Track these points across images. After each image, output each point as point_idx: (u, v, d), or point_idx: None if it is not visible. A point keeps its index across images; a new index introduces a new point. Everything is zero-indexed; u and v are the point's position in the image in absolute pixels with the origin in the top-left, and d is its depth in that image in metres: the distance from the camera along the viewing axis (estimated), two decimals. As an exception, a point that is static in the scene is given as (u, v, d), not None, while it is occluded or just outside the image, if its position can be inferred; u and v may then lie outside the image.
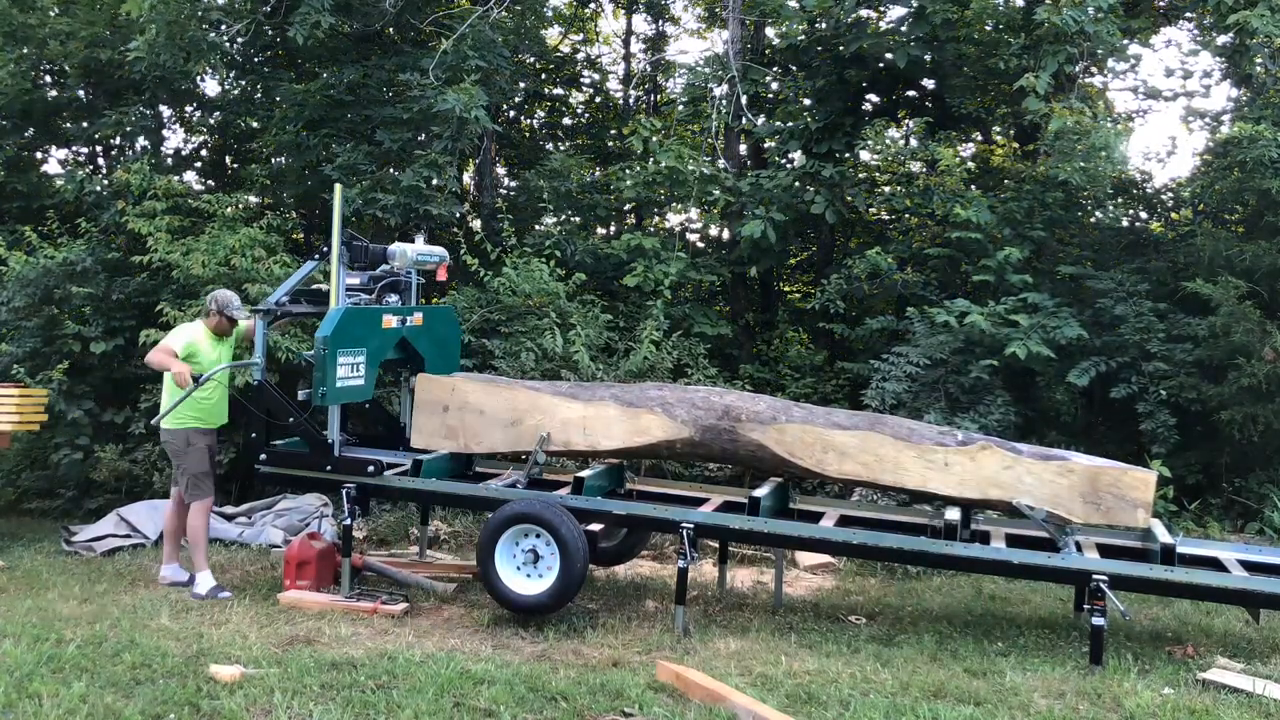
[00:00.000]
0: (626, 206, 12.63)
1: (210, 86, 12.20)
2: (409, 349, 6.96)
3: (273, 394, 6.58)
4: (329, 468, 6.48)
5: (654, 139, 10.70)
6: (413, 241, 7.02)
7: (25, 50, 11.14)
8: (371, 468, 6.39)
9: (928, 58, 10.14)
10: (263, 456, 6.60)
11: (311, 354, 6.20)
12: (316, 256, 6.87)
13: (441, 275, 7.12)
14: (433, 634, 5.70)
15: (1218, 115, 10.40)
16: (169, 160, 12.00)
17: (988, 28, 10.68)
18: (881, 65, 10.46)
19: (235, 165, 12.52)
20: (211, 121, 12.39)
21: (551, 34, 14.75)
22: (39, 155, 12.65)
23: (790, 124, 11.00)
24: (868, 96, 11.17)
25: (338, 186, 6.73)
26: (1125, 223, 10.51)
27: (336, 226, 6.46)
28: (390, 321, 6.67)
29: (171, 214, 9.95)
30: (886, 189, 11.04)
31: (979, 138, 12.24)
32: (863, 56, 10.29)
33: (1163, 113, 30.14)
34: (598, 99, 15.45)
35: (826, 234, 11.30)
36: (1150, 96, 11.39)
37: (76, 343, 9.94)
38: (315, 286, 7.07)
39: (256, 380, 6.59)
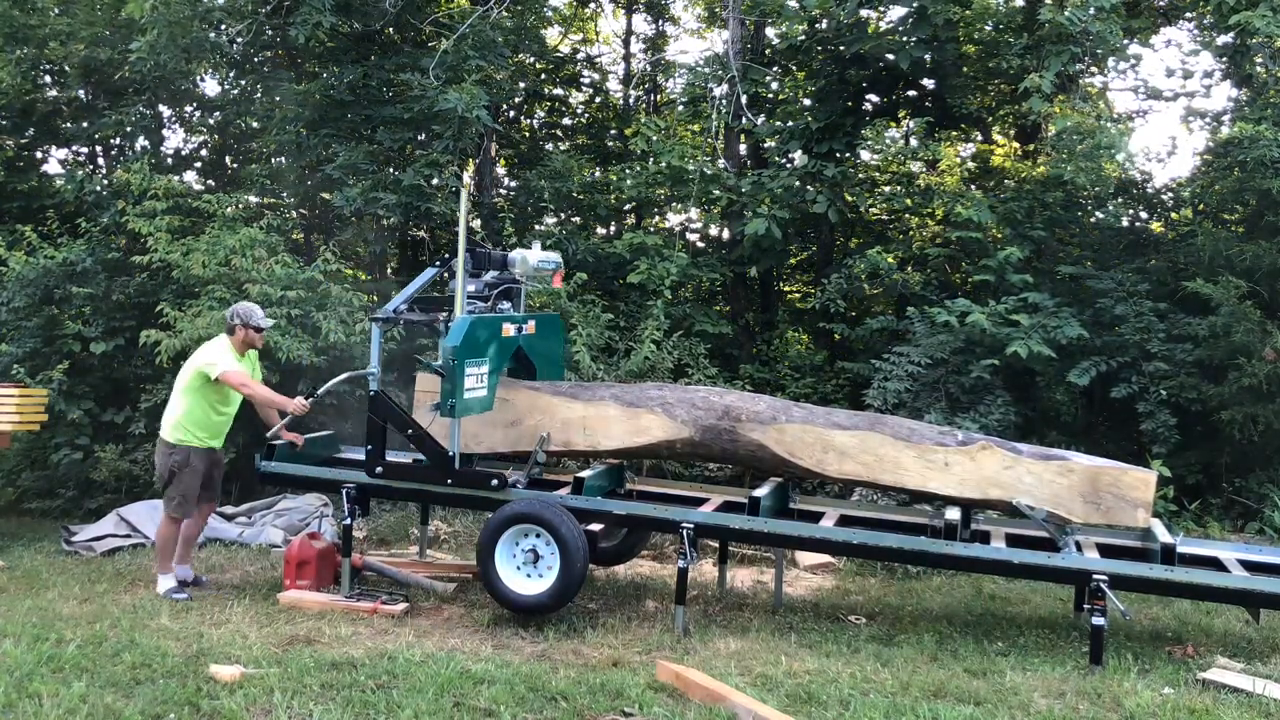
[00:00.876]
0: (626, 206, 12.63)
1: (210, 86, 12.22)
2: (522, 358, 6.74)
3: (390, 404, 6.32)
4: (450, 481, 6.21)
5: (656, 138, 10.70)
6: (529, 247, 6.80)
7: (25, 50, 11.15)
8: (495, 480, 6.12)
9: (928, 58, 10.14)
10: (378, 470, 6.30)
11: (440, 364, 5.89)
12: (437, 264, 6.62)
13: (557, 282, 6.88)
14: (433, 634, 5.70)
15: (1218, 115, 10.40)
16: (169, 160, 12.01)
17: (988, 27, 10.68)
18: (882, 65, 10.46)
19: (235, 165, 12.52)
20: (211, 121, 12.40)
21: (551, 34, 14.76)
22: (39, 155, 12.66)
23: (790, 124, 11.01)
24: (868, 96, 11.17)
25: (464, 192, 6.54)
26: (1125, 223, 10.51)
27: (463, 232, 6.20)
28: (509, 330, 6.44)
29: (171, 214, 9.96)
30: (886, 189, 11.04)
31: (979, 138, 12.25)
32: (863, 56, 10.30)
33: (1163, 113, 30.20)
34: (598, 99, 15.46)
35: (827, 234, 11.30)
36: (1151, 96, 11.40)
37: (76, 343, 9.95)
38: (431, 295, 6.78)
39: (373, 391, 6.27)
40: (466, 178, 6.50)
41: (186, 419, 6.51)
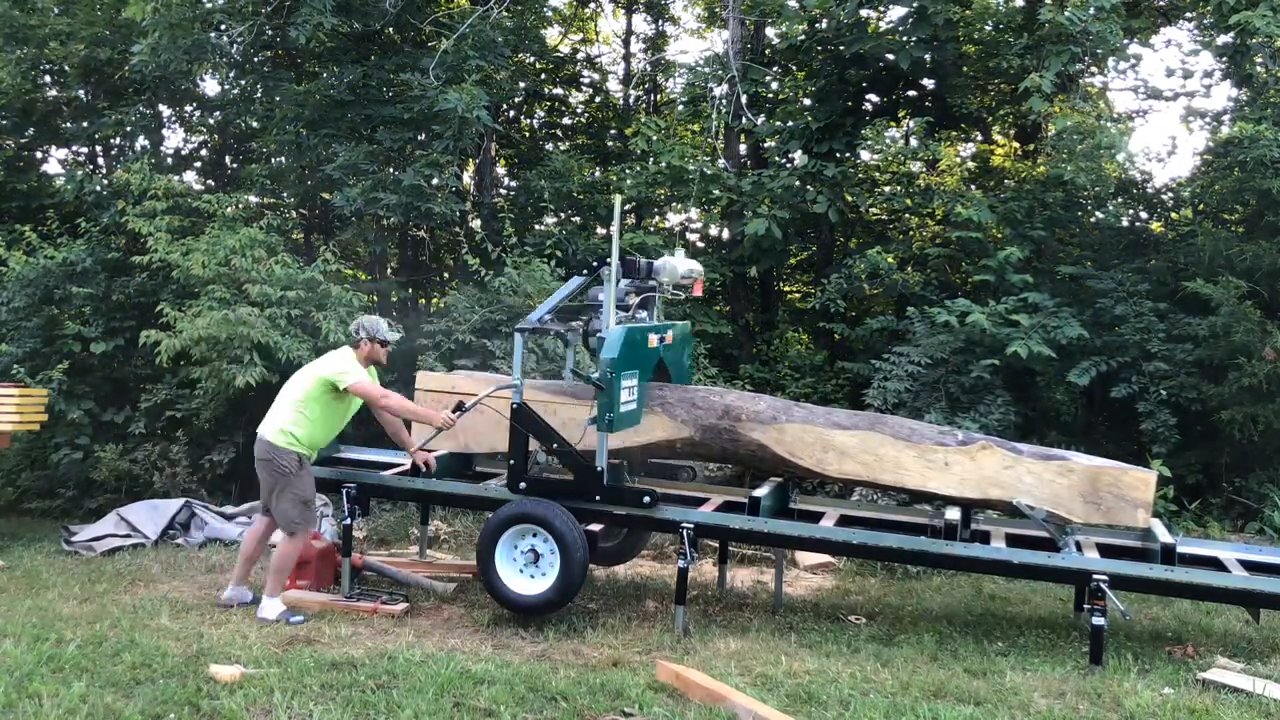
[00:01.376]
0: (627, 206, 12.63)
1: (210, 86, 12.22)
2: (661, 369, 6.51)
3: (534, 417, 6.02)
4: (598, 497, 5.93)
5: (656, 138, 10.70)
6: (673, 254, 6.58)
7: (25, 50, 11.15)
8: (648, 498, 5.87)
9: (928, 58, 10.14)
10: (522, 485, 6.02)
11: (597, 376, 5.65)
12: (584, 272, 6.33)
13: (698, 290, 6.62)
14: (433, 634, 5.69)
15: (1218, 115, 10.41)
16: (169, 160, 12.01)
17: (988, 27, 10.68)
18: (882, 65, 10.46)
19: (235, 165, 12.53)
20: (211, 121, 12.40)
21: (551, 34, 14.75)
22: (39, 155, 12.66)
23: (790, 124, 11.01)
24: (868, 96, 11.17)
25: (617, 198, 6.36)
26: (1125, 223, 10.51)
27: (615, 240, 5.94)
28: (653, 341, 6.22)
29: (171, 214, 9.96)
30: (886, 189, 11.04)
31: (979, 138, 12.25)
32: (863, 56, 10.30)
33: (1163, 113, 30.18)
34: (598, 99, 15.45)
35: (827, 234, 11.31)
36: (1151, 96, 11.40)
37: (76, 343, 9.95)
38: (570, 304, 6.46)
39: (516, 403, 6.00)
40: (618, 203, 6.18)
41: (296, 425, 6.06)
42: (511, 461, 6.06)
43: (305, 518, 6.05)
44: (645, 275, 6.37)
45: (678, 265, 6.42)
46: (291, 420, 6.07)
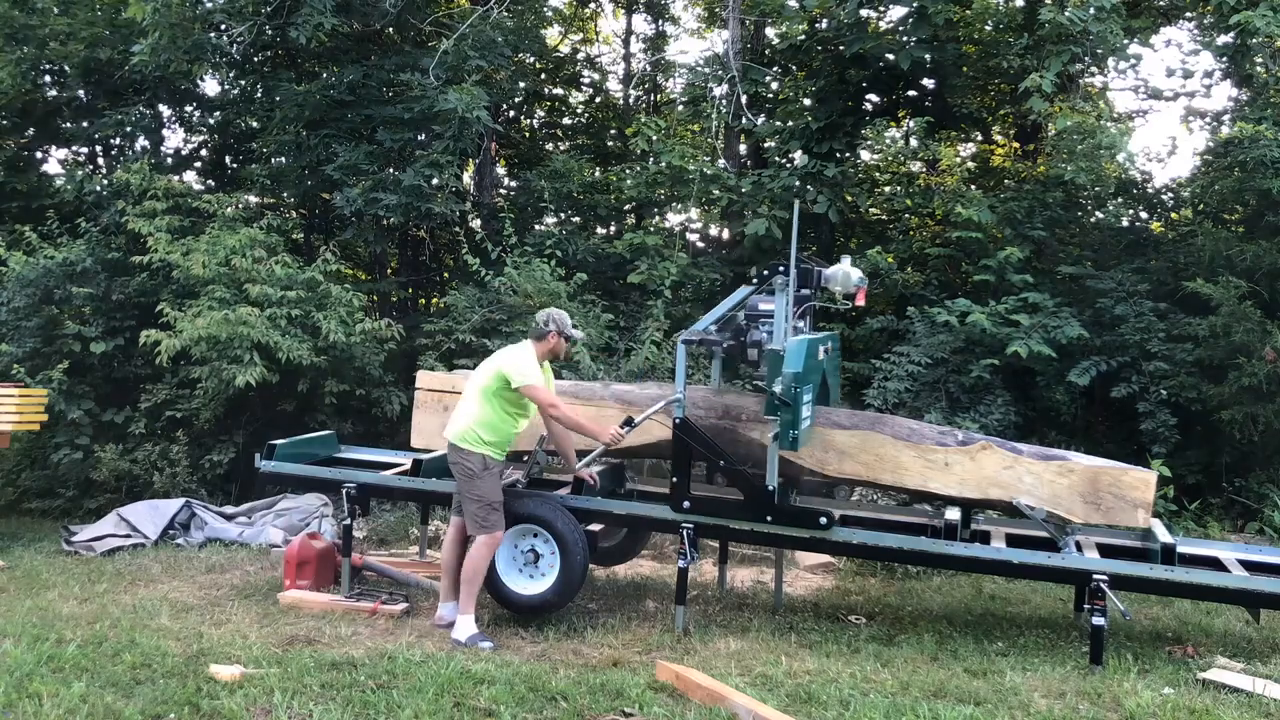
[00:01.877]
0: (626, 206, 12.64)
1: (210, 86, 12.23)
2: (822, 381, 6.20)
3: (700, 433, 5.78)
4: (769, 518, 5.69)
5: (656, 138, 10.71)
6: (838, 262, 6.19)
7: (25, 50, 11.15)
8: (824, 519, 5.62)
9: (928, 58, 10.15)
10: (686, 504, 5.77)
11: (781, 392, 5.33)
12: (754, 280, 6.00)
13: (861, 299, 6.17)
14: (433, 634, 5.69)
15: (1218, 115, 10.41)
16: (169, 160, 12.01)
17: (988, 27, 10.68)
18: (882, 65, 10.46)
19: (235, 165, 12.53)
20: (211, 121, 12.40)
21: (551, 34, 14.76)
22: (39, 155, 12.66)
23: (790, 124, 11.01)
24: (868, 96, 11.17)
25: (796, 204, 6.09)
26: (1125, 223, 10.52)
27: (794, 248, 5.71)
28: (821, 353, 5.94)
29: (171, 214, 9.97)
30: (887, 189, 11.04)
31: (979, 138, 12.25)
32: (863, 56, 10.29)
33: (1163, 113, 30.18)
34: (598, 99, 15.46)
35: (827, 234, 11.30)
36: (1151, 96, 11.40)
37: (76, 343, 9.95)
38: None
39: (678, 417, 5.79)
40: (796, 208, 5.96)
41: (480, 424, 5.76)
42: (675, 478, 5.79)
43: (491, 520, 5.70)
44: (816, 284, 6.05)
45: (850, 273, 5.99)
46: (474, 420, 5.78)
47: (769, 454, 5.63)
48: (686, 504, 5.79)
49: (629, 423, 5.81)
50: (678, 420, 5.78)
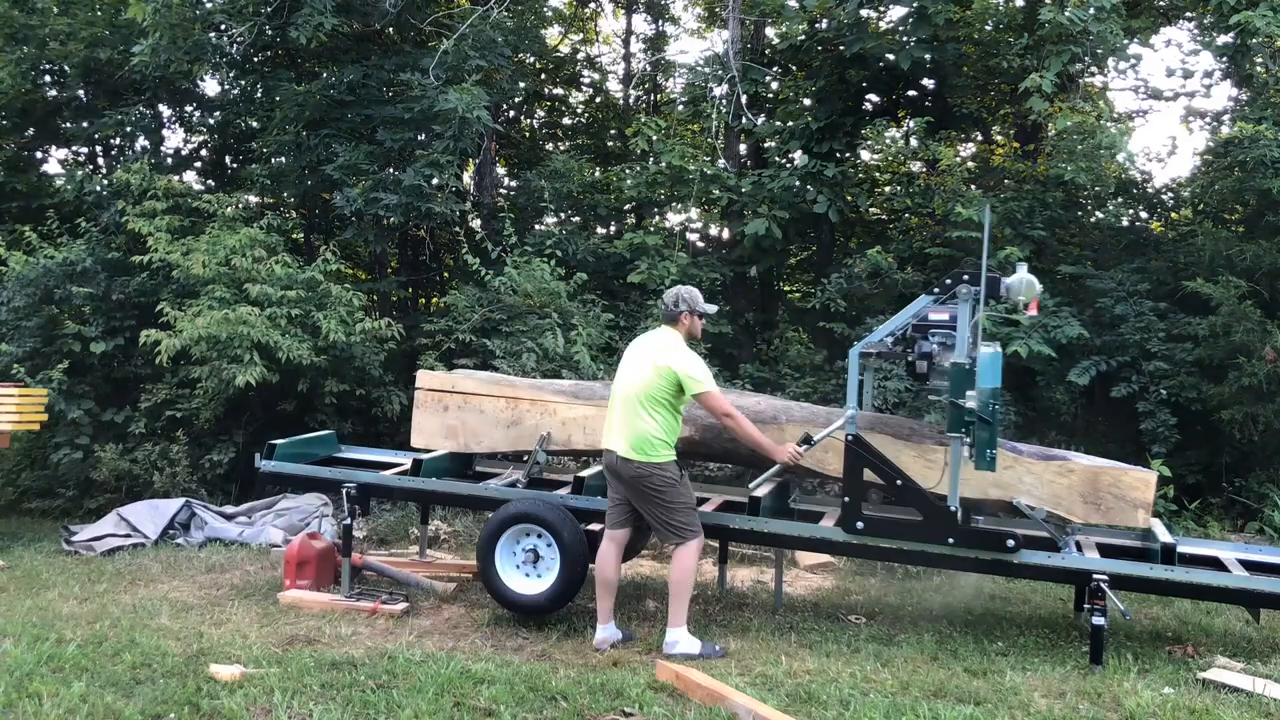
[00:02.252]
0: (626, 206, 12.64)
1: (210, 86, 12.23)
2: None
3: (872, 449, 5.58)
4: (952, 540, 5.47)
5: (656, 138, 10.71)
6: (1015, 271, 5.73)
7: (25, 50, 11.15)
8: (1011, 541, 5.38)
9: (928, 58, 10.15)
10: (859, 525, 5.58)
11: (980, 408, 5.10)
12: (935, 290, 5.66)
13: (1033, 309, 5.74)
14: (433, 634, 5.69)
15: (1218, 115, 10.41)
16: (169, 160, 12.01)
17: (988, 27, 10.68)
18: (882, 65, 10.46)
19: (235, 165, 12.53)
20: (211, 121, 12.40)
21: (551, 34, 14.76)
22: (39, 155, 12.66)
23: (790, 124, 11.01)
24: (868, 96, 11.17)
25: (986, 208, 5.84)
26: (1125, 223, 10.52)
27: (985, 256, 5.45)
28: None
29: (171, 214, 9.97)
30: (887, 189, 11.04)
31: (979, 138, 12.25)
32: (863, 56, 10.30)
33: (1163, 113, 30.20)
34: (598, 99, 15.46)
35: (827, 233, 11.31)
36: (1151, 96, 11.40)
37: (76, 343, 9.95)
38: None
39: (851, 434, 5.59)
40: (987, 211, 5.69)
41: (662, 433, 5.41)
42: (847, 499, 5.60)
43: (695, 523, 5.50)
44: (997, 293, 5.63)
45: (1034, 282, 5.55)
46: (653, 431, 5.40)
47: (951, 471, 5.37)
48: (860, 525, 5.59)
49: (807, 440, 5.61)
50: (850, 438, 5.56)
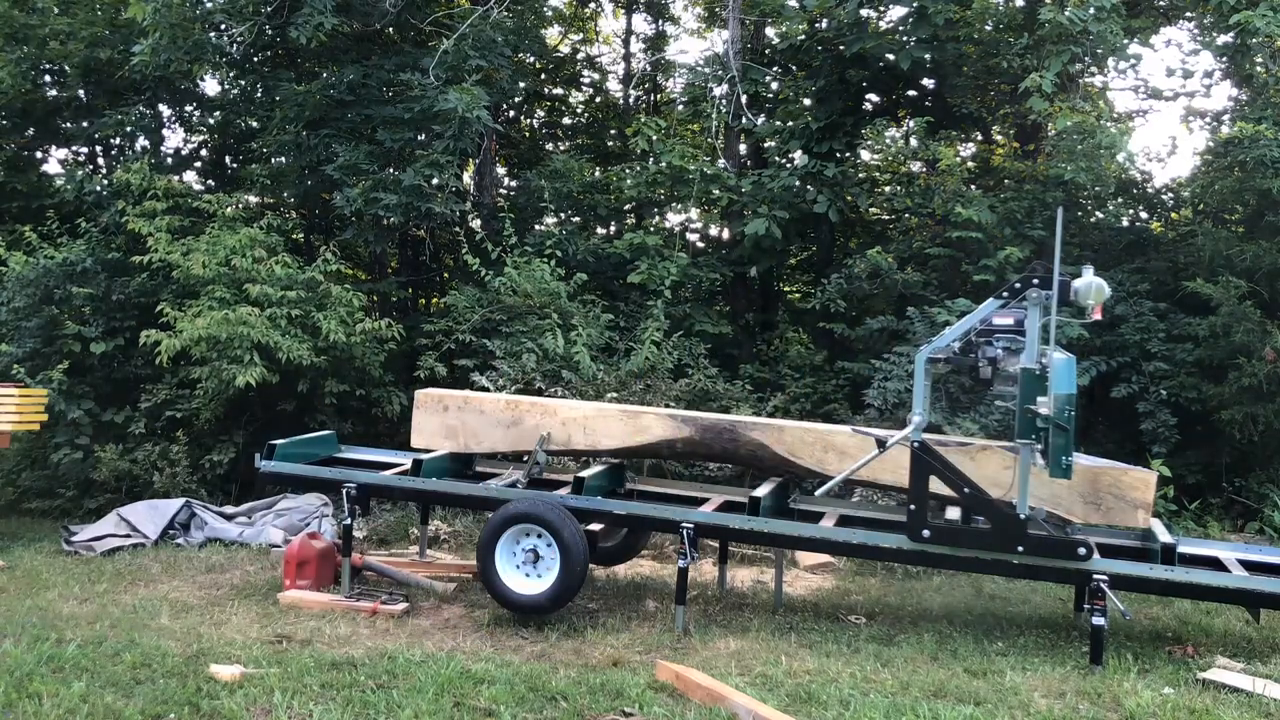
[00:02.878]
0: (626, 206, 12.64)
1: (210, 86, 12.23)
2: None
3: (939, 457, 5.49)
4: (1021, 549, 5.36)
5: (656, 138, 10.71)
6: (1081, 275, 5.64)
7: (25, 50, 11.15)
8: (1083, 549, 5.29)
9: (928, 58, 10.15)
10: (925, 533, 5.48)
11: (1055, 415, 5.03)
12: (1004, 294, 5.59)
13: (1098, 314, 5.63)
14: (433, 634, 5.69)
15: (1218, 115, 10.41)
16: (169, 160, 12.01)
17: (988, 27, 10.68)
18: (882, 65, 10.46)
19: (235, 165, 12.53)
20: (211, 121, 12.40)
21: (551, 34, 14.76)
22: (39, 155, 12.66)
23: (790, 124, 11.01)
24: (868, 96, 11.17)
25: (1059, 211, 5.70)
26: (1125, 223, 10.52)
27: (1057, 259, 5.37)
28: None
29: (171, 214, 9.96)
30: (887, 189, 11.04)
31: (979, 138, 12.24)
32: (863, 56, 10.30)
33: (1163, 113, 30.22)
34: (598, 99, 15.46)
35: (827, 234, 11.31)
36: (1151, 96, 11.40)
37: (76, 343, 9.94)
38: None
39: (916, 441, 5.51)
40: (1059, 215, 5.64)
41: None
42: (912, 507, 5.52)
43: None
44: (1066, 297, 5.51)
45: (1104, 285, 5.47)
46: None
47: (1019, 479, 5.30)
48: (926, 533, 5.52)
49: (881, 444, 5.60)
50: (914, 444, 5.49)
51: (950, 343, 5.63)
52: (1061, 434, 5.03)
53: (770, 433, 6.06)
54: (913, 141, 11.07)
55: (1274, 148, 8.24)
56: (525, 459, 6.62)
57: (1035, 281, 5.39)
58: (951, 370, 6.07)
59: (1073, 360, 5.24)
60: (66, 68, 11.49)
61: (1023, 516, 5.34)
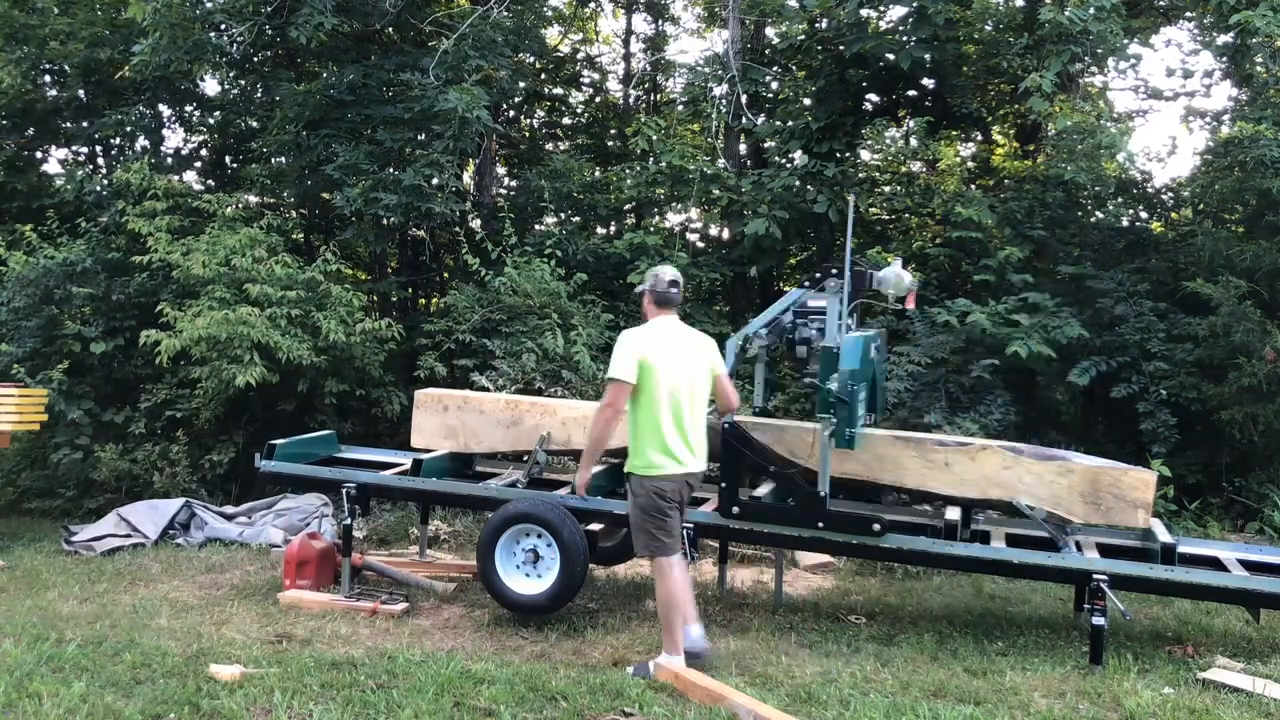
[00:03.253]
0: (626, 206, 12.64)
1: (210, 86, 12.23)
2: (872, 381, 6.12)
3: (747, 436, 5.77)
4: (820, 524, 5.64)
5: (656, 138, 10.71)
6: (889, 265, 5.99)
7: (25, 50, 11.15)
8: (877, 525, 5.55)
9: (928, 57, 10.14)
10: (735, 510, 5.73)
11: (837, 390, 5.28)
12: (806, 284, 5.97)
13: (910, 303, 6.02)
14: (433, 634, 5.70)
15: (1218, 115, 10.41)
16: (169, 160, 12.01)
17: (988, 27, 10.68)
18: (882, 65, 10.46)
19: (235, 165, 12.53)
20: (211, 121, 12.40)
21: (551, 34, 14.76)
22: (39, 155, 12.66)
23: (790, 124, 11.01)
24: (868, 96, 11.16)
25: (851, 198, 5.96)
26: (1125, 223, 10.52)
27: (848, 246, 5.61)
28: (872, 351, 5.93)
29: (171, 214, 9.96)
30: (887, 189, 11.04)
31: (979, 138, 12.25)
32: (863, 56, 10.29)
33: (1163, 113, 30.22)
34: (598, 99, 15.46)
35: (827, 233, 11.30)
36: (1151, 96, 11.40)
37: (76, 343, 9.94)
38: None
39: (727, 422, 5.74)
40: (851, 203, 5.81)
41: None
42: (723, 485, 5.76)
43: None
44: (868, 286, 5.86)
45: (905, 277, 5.83)
46: None
47: (821, 455, 5.54)
48: (735, 509, 5.72)
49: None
50: (725, 424, 5.72)
51: (757, 329, 5.98)
52: (844, 407, 5.27)
53: (770, 432, 6.06)
54: (913, 141, 11.07)
55: (1274, 148, 8.24)
56: (525, 459, 6.61)
57: (834, 271, 5.69)
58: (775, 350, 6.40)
59: (861, 339, 5.48)
60: (66, 68, 11.49)
61: (823, 495, 5.56)
